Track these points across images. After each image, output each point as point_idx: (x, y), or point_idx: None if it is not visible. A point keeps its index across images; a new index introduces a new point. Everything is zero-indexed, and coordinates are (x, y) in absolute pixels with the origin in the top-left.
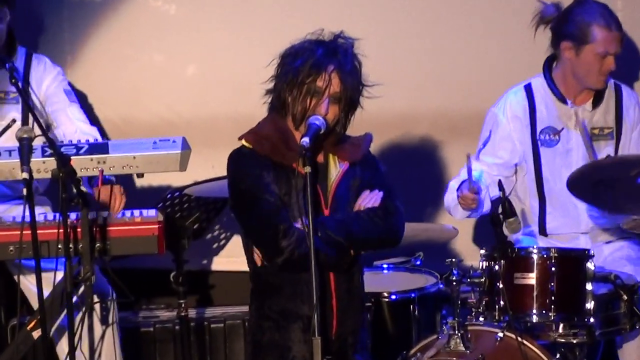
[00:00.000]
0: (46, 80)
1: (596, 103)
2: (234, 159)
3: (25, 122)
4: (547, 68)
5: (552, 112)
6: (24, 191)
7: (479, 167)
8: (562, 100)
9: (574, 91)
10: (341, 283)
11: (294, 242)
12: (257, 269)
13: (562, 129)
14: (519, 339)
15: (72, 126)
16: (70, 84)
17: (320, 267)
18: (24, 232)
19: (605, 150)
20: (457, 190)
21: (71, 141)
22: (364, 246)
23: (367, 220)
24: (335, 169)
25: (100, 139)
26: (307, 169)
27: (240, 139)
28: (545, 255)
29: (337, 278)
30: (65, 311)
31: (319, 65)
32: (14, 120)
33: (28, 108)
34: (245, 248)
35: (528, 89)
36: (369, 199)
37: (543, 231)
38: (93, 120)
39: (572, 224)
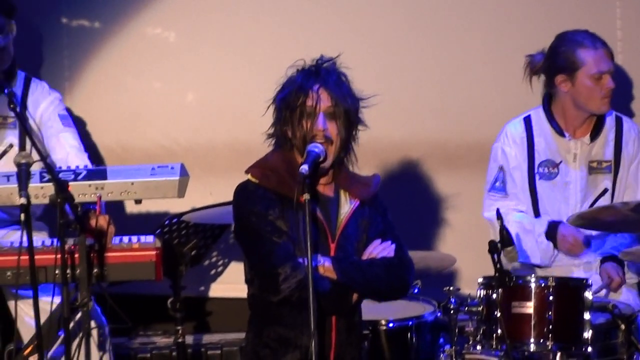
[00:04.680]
0: (43, 104)
1: (594, 136)
2: (240, 194)
3: (22, 147)
4: (547, 101)
5: (550, 145)
6: (22, 216)
7: (505, 207)
8: (561, 133)
9: (573, 125)
10: (341, 318)
11: (294, 285)
12: (257, 295)
13: (560, 162)
14: None
15: (62, 151)
16: (67, 109)
17: (321, 311)
18: (21, 257)
19: (602, 184)
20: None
21: (69, 167)
22: (373, 293)
23: (381, 269)
24: (347, 205)
25: (89, 166)
26: (307, 196)
27: (246, 172)
28: (543, 284)
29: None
30: (61, 337)
31: (303, 87)
32: (11, 145)
33: (26, 132)
34: (246, 269)
35: (527, 120)
36: (383, 249)
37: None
38: (90, 146)
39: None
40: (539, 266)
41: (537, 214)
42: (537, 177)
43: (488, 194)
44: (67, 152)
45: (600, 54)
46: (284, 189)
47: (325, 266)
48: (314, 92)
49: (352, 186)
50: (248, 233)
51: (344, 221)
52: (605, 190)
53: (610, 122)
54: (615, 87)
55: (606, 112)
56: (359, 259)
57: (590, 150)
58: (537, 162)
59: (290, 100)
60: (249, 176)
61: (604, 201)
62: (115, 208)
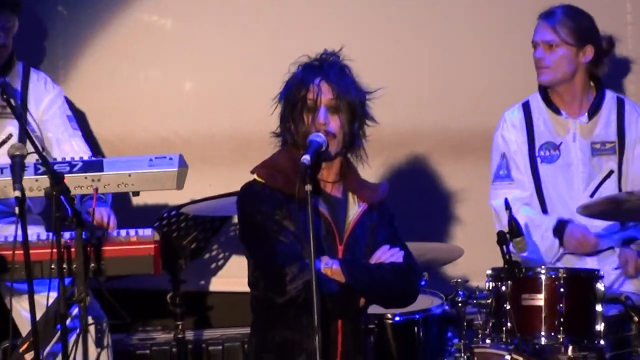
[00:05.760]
0: (45, 99)
1: (592, 114)
2: (245, 194)
3: (22, 137)
4: None
5: (549, 125)
6: (16, 210)
7: (511, 196)
8: (557, 111)
9: (564, 101)
10: (348, 322)
11: (301, 285)
12: (261, 296)
13: (561, 142)
14: None
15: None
16: (70, 107)
17: (327, 315)
18: (16, 252)
19: (607, 165)
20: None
21: (64, 158)
22: (381, 298)
23: (390, 274)
24: (355, 207)
25: None
26: (309, 187)
27: (252, 172)
28: (553, 276)
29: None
30: (58, 333)
31: (304, 81)
32: (10, 135)
33: (21, 123)
34: (250, 271)
35: (525, 105)
36: (391, 255)
37: None
38: (87, 137)
39: None
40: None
41: (540, 198)
42: (538, 160)
43: (493, 183)
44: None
45: (539, 24)
46: (292, 189)
47: (334, 269)
48: (315, 85)
49: (361, 189)
50: (254, 233)
51: (353, 223)
52: (611, 172)
53: (610, 102)
54: (624, 72)
55: (543, 84)
56: (368, 263)
57: (591, 130)
58: (537, 145)
59: (291, 96)
60: (254, 176)
61: (611, 183)
62: (113, 200)
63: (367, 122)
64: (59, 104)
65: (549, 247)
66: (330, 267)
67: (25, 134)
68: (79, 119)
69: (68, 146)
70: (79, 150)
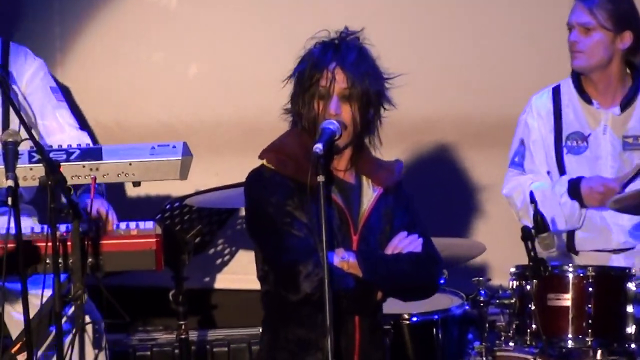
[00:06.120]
0: (27, 73)
1: (624, 106)
2: (254, 182)
3: (5, 116)
4: None
5: (579, 115)
6: (9, 200)
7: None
8: (588, 101)
9: (597, 90)
10: (365, 317)
11: (317, 283)
12: (272, 292)
13: (590, 134)
14: None
15: (61, 132)
16: (55, 79)
17: (342, 313)
18: (8, 245)
19: (638, 161)
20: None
21: (61, 146)
22: (399, 292)
23: (409, 265)
24: (370, 193)
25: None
26: (321, 178)
27: (260, 157)
28: (581, 274)
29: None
30: (52, 334)
31: (319, 64)
32: None
33: (15, 110)
34: (259, 265)
35: (556, 91)
36: (409, 243)
37: (572, 248)
38: (83, 124)
39: (601, 240)
40: (573, 249)
41: None
42: (564, 150)
43: (508, 169)
44: (67, 133)
45: (576, 5)
46: (304, 177)
47: (350, 262)
48: (329, 72)
49: (375, 172)
50: (264, 225)
51: (368, 210)
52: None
53: None
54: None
55: (576, 69)
56: (384, 254)
57: (623, 123)
58: (564, 135)
59: (304, 78)
60: (263, 161)
61: None
62: (111, 191)
63: (385, 107)
64: (41, 76)
65: (570, 212)
66: (346, 260)
67: (20, 121)
68: (75, 102)
69: (52, 118)
70: (63, 122)
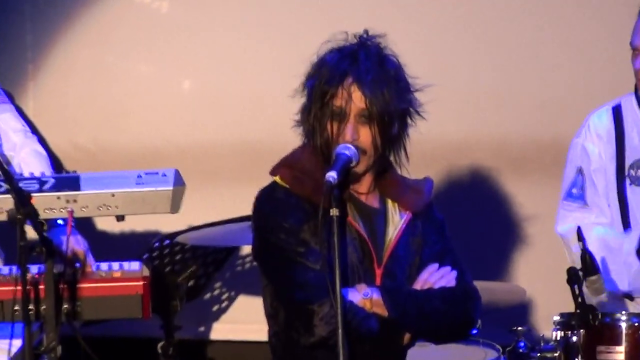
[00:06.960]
0: None
1: None
2: (264, 202)
3: None
4: None
5: None
6: None
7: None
8: None
9: None
10: None
11: (334, 326)
12: (282, 331)
13: None
14: None
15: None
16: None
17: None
18: None
19: None
20: None
21: (32, 173)
22: (431, 333)
23: (442, 302)
24: (396, 219)
25: (42, 152)
26: (335, 212)
27: (272, 173)
28: (636, 324)
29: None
30: None
31: (333, 78)
32: None
33: None
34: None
35: (616, 110)
36: (441, 276)
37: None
38: (59, 147)
39: None
40: (629, 295)
41: (626, 228)
42: (627, 181)
43: (563, 202)
44: (13, 141)
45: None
46: (321, 198)
47: (374, 300)
48: (345, 89)
49: (402, 194)
50: (274, 254)
51: (395, 240)
52: None
53: None
54: None
55: None
56: (413, 290)
57: None
58: (627, 163)
59: (316, 93)
60: (276, 178)
61: None
62: (91, 227)
63: (413, 121)
64: None
65: (635, 274)
66: (369, 298)
67: None
68: (50, 123)
69: None
70: (6, 128)
